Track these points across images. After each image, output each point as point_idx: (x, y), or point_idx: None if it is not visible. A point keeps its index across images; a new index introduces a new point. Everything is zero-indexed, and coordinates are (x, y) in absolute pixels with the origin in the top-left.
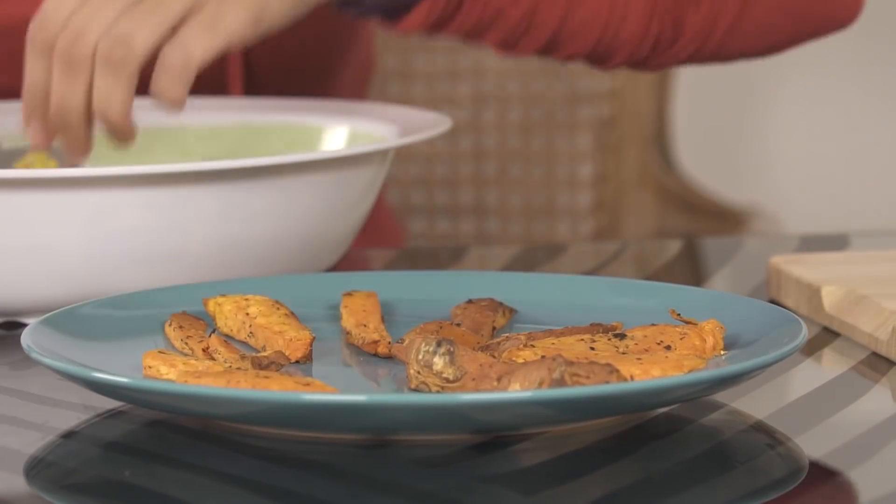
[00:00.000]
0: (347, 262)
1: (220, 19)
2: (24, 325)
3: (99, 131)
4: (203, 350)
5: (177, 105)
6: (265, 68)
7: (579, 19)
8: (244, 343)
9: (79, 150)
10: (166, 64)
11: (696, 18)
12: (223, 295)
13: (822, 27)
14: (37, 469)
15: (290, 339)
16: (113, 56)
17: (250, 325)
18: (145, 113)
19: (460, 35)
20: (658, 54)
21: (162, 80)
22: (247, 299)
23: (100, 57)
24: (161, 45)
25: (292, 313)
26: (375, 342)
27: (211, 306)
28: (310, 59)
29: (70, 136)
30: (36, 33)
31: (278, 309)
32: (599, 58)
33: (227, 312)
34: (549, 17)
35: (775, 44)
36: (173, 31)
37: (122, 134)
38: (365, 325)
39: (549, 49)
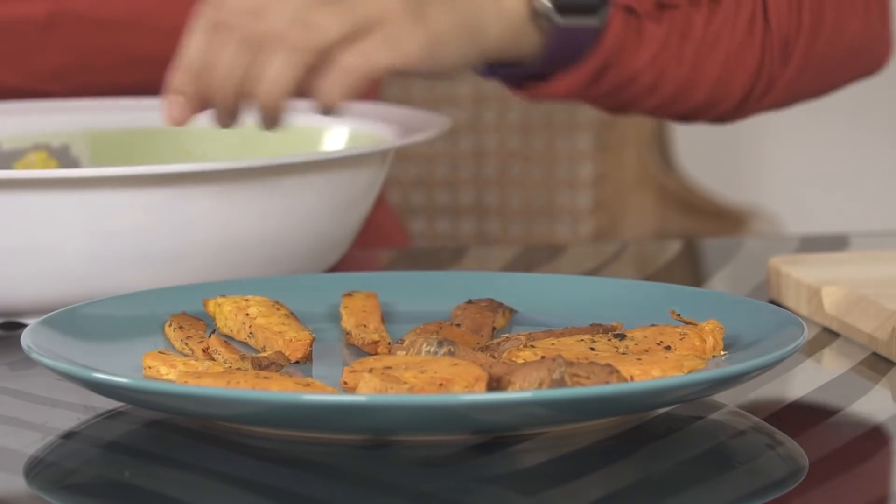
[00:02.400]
0: (347, 262)
1: (402, 39)
2: (24, 325)
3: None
4: (203, 350)
5: (333, 108)
6: None
7: (700, 80)
8: (244, 343)
9: (225, 123)
10: (342, 64)
11: (785, 75)
12: (223, 295)
13: (854, 73)
14: (37, 469)
15: (290, 339)
16: (293, 37)
17: (250, 326)
18: (145, 113)
19: (591, 100)
20: (743, 108)
21: (330, 78)
22: (247, 300)
23: (280, 35)
24: (341, 45)
25: (292, 314)
26: (375, 342)
27: (211, 307)
28: None
29: (221, 108)
30: (211, 11)
31: (278, 309)
32: (701, 113)
33: (226, 313)
34: (673, 80)
35: (823, 92)
36: (354, 38)
37: (271, 117)
38: (365, 326)
39: (661, 109)
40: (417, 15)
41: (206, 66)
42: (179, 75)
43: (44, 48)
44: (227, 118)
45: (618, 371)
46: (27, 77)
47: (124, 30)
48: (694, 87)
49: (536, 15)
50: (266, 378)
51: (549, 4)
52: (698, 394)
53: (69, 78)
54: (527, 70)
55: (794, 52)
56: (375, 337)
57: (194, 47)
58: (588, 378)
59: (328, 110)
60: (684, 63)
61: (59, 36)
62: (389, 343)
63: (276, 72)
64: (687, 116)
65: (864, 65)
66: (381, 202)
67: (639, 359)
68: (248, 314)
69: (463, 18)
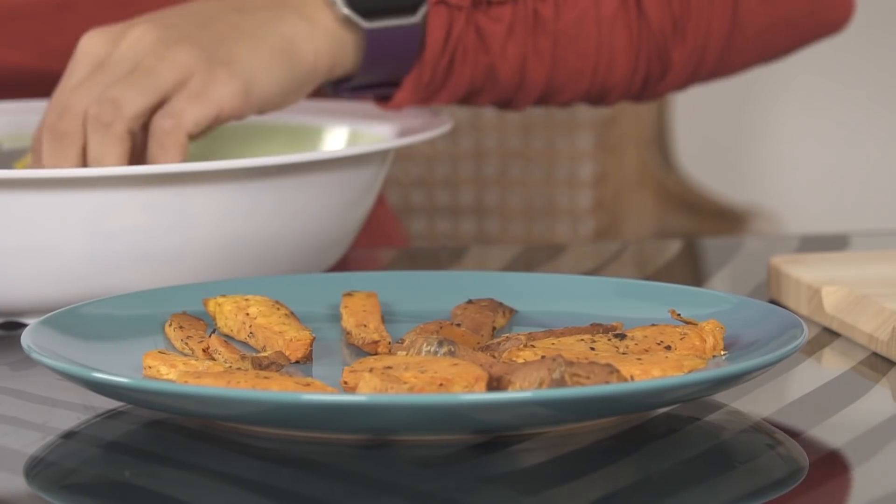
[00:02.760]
0: (347, 262)
1: (208, 90)
2: (24, 325)
3: None
4: (203, 350)
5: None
6: None
7: (567, 71)
8: (244, 343)
9: None
10: (157, 131)
11: (683, 51)
12: (223, 295)
13: (815, 33)
14: (37, 469)
15: (290, 339)
16: (102, 118)
17: (250, 326)
18: None
19: (455, 100)
20: (650, 88)
21: (154, 148)
22: (247, 299)
23: (90, 120)
24: (150, 113)
25: (292, 313)
26: (375, 342)
27: (211, 306)
28: None
29: None
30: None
31: (278, 309)
32: (594, 99)
33: (227, 312)
34: (537, 73)
35: (772, 54)
36: (162, 102)
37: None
38: (365, 326)
39: (543, 100)
40: (219, 61)
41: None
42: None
43: (59, 28)
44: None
45: (618, 371)
46: (43, 57)
47: (140, 8)
48: (568, 79)
49: (347, 22)
50: (266, 378)
51: (351, 11)
52: (698, 394)
53: None
54: (374, 82)
55: (687, 31)
56: (376, 337)
57: (34, 158)
58: (588, 378)
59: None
60: (544, 57)
61: (74, 16)
62: (390, 343)
63: (105, 154)
64: (590, 101)
65: (821, 16)
66: (381, 202)
67: (639, 359)
68: (248, 314)
69: (271, 48)
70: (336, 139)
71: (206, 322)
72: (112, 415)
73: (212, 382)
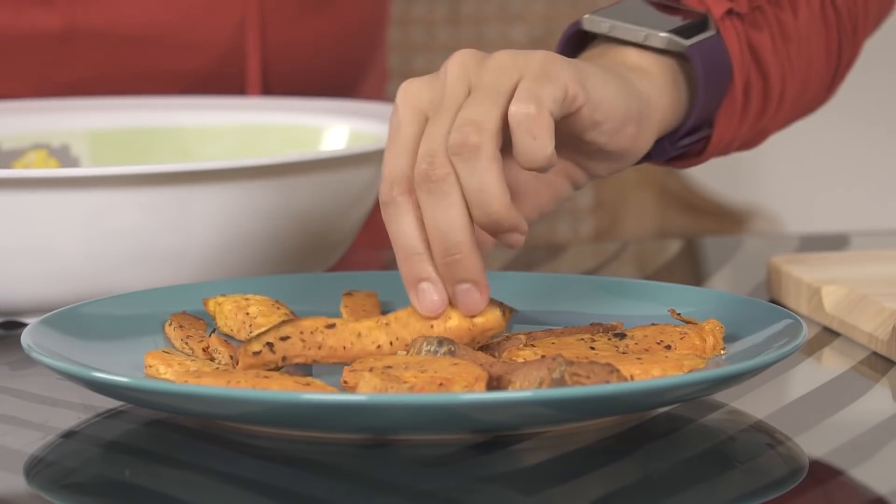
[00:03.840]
0: (347, 262)
1: (549, 71)
2: (24, 325)
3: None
4: (203, 350)
5: (548, 161)
6: (285, 78)
7: (804, 78)
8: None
9: (479, 280)
10: (521, 121)
11: (853, 57)
12: (223, 295)
13: (806, 114)
14: (37, 469)
15: None
16: (468, 143)
17: (250, 325)
18: (145, 113)
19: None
20: (825, 96)
21: (524, 140)
22: (247, 299)
23: (454, 151)
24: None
25: (292, 313)
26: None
27: (211, 306)
28: (333, 70)
29: (464, 268)
30: (385, 191)
31: (278, 309)
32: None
33: (227, 312)
34: (792, 86)
35: (768, 134)
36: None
37: (510, 226)
38: None
39: (792, 117)
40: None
41: (421, 242)
42: (405, 269)
43: (60, 62)
44: (476, 274)
45: (618, 370)
46: (43, 90)
47: (141, 44)
48: (805, 86)
49: (667, 50)
50: (266, 378)
51: (668, 35)
52: (698, 393)
53: (85, 91)
54: (699, 122)
55: (859, 34)
56: None
57: (395, 232)
58: (588, 377)
59: (545, 166)
60: (794, 64)
61: (75, 50)
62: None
63: (483, 182)
64: (800, 117)
65: (814, 104)
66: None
67: (639, 358)
68: (248, 313)
69: (602, 68)
70: (336, 139)
71: (206, 321)
72: (112, 415)
73: (212, 382)
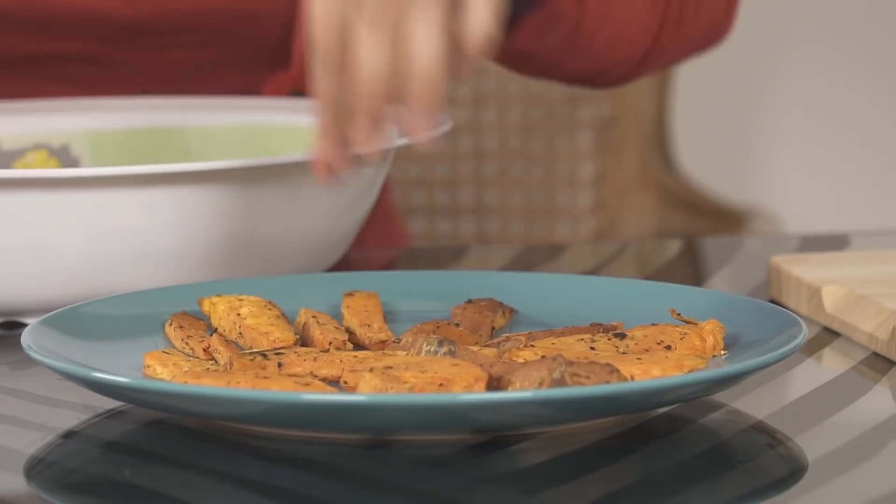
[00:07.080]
0: (348, 262)
1: None
2: (24, 325)
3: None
4: (203, 350)
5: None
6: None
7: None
8: (236, 343)
9: (369, 139)
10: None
11: (677, 40)
12: (219, 295)
13: (709, 46)
14: (37, 469)
15: (273, 340)
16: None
17: (240, 326)
18: (145, 113)
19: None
20: (633, 72)
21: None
22: (240, 299)
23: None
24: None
25: (283, 315)
26: (383, 342)
27: (206, 306)
28: None
29: (366, 118)
30: (319, 47)
31: (270, 310)
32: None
33: (220, 312)
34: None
35: (675, 63)
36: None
37: (434, 97)
38: (369, 325)
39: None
40: None
41: (344, 67)
42: (323, 115)
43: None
44: (371, 131)
45: (618, 371)
46: (136, 75)
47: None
48: (615, 45)
49: None
50: (266, 378)
51: None
52: (698, 394)
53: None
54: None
55: (686, 18)
56: (382, 336)
57: (322, 86)
58: (588, 378)
59: (480, 57)
60: (611, 18)
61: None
62: (394, 342)
63: (424, 40)
64: (585, 80)
65: (713, 39)
66: (382, 202)
67: (639, 358)
68: (238, 314)
69: None
70: None
71: (206, 322)
72: (112, 415)
73: (212, 382)
